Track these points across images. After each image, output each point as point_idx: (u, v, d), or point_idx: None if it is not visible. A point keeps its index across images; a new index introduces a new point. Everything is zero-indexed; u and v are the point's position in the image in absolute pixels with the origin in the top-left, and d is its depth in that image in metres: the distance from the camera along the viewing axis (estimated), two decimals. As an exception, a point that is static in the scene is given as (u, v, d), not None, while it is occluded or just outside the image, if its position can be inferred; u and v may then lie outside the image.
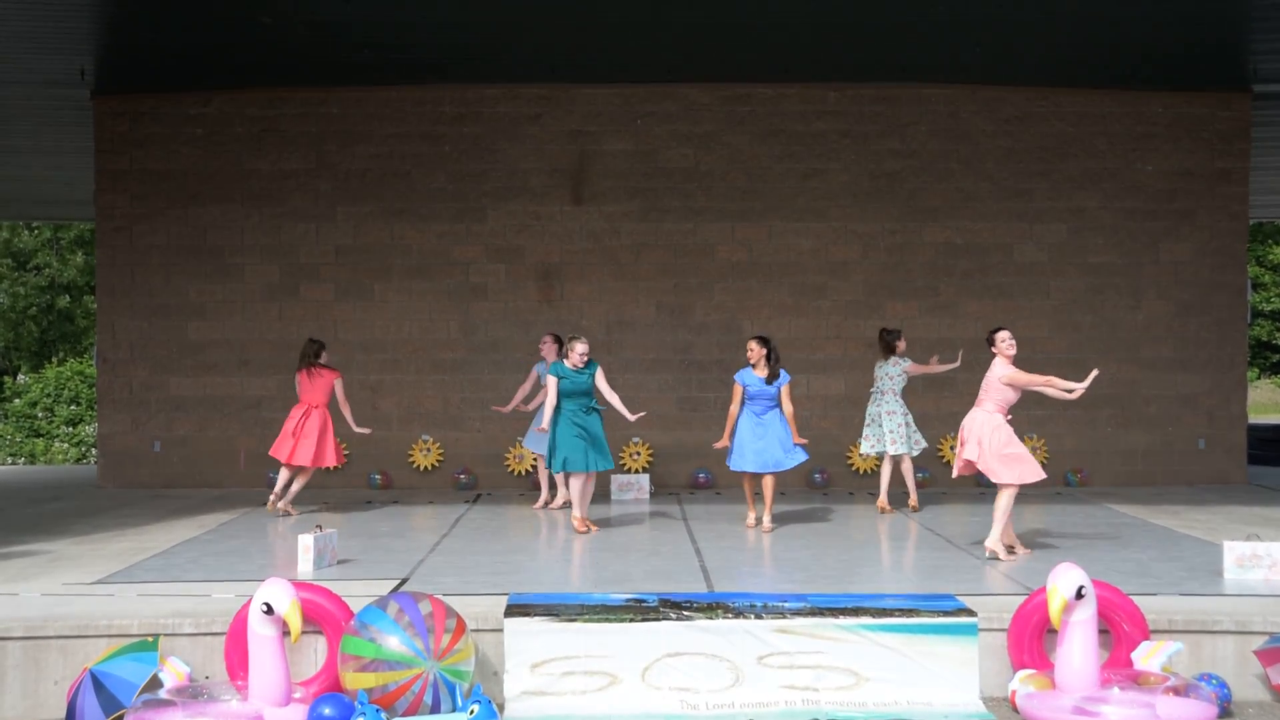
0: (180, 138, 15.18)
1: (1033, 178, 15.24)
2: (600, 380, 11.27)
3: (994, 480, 9.70)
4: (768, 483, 11.27)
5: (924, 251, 15.18)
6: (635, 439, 14.78)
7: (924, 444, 12.69)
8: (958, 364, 12.86)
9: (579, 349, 11.17)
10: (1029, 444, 14.98)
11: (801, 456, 11.29)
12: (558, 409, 11.17)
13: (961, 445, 9.92)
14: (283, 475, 12.50)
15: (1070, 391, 9.67)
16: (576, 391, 11.15)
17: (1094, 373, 9.85)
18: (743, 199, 15.15)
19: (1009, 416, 9.85)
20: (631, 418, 11.44)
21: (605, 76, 14.93)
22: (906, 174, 15.20)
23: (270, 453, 12.65)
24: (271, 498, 12.55)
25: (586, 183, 15.16)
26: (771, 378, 11.24)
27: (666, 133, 15.16)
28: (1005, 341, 9.94)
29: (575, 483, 11.31)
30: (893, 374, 12.51)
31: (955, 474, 10.13)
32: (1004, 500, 9.63)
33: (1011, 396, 9.80)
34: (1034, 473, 9.66)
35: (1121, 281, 15.26)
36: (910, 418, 12.57)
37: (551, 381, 11.17)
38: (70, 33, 13.33)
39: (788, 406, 11.30)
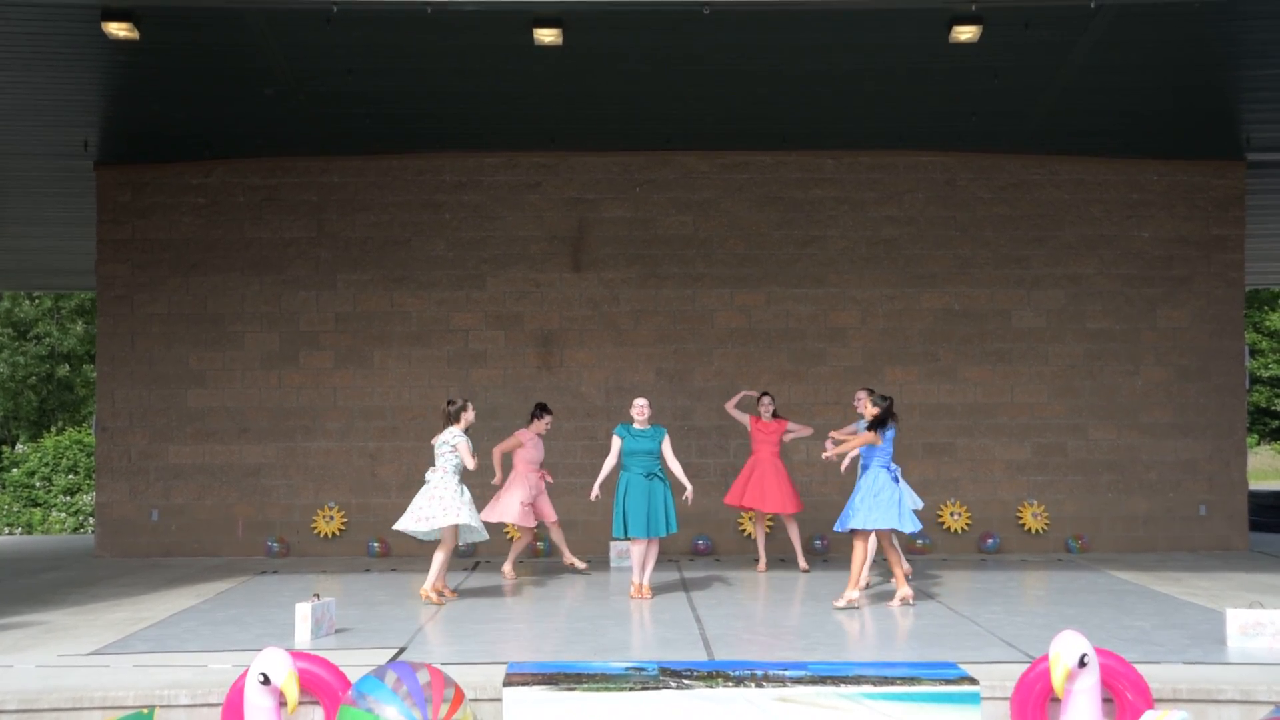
0: (182, 207, 15.28)
1: (1030, 244, 15.32)
2: (666, 447, 11.37)
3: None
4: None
5: (922, 317, 15.23)
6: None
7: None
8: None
9: (638, 404, 11.39)
10: (1029, 509, 14.97)
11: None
12: (623, 469, 11.31)
13: None
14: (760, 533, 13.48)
15: None
16: (640, 453, 11.26)
17: None
18: (741, 265, 15.22)
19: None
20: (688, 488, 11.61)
21: (604, 144, 15.07)
22: (904, 240, 15.28)
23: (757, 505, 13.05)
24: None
25: (585, 250, 15.24)
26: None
27: (665, 200, 15.26)
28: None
29: (636, 549, 11.30)
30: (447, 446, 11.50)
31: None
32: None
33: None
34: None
35: (1120, 347, 15.29)
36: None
37: (616, 442, 11.37)
38: (75, 105, 13.50)
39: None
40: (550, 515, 12.60)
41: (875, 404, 10.64)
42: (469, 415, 11.43)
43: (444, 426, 11.43)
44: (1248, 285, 17.84)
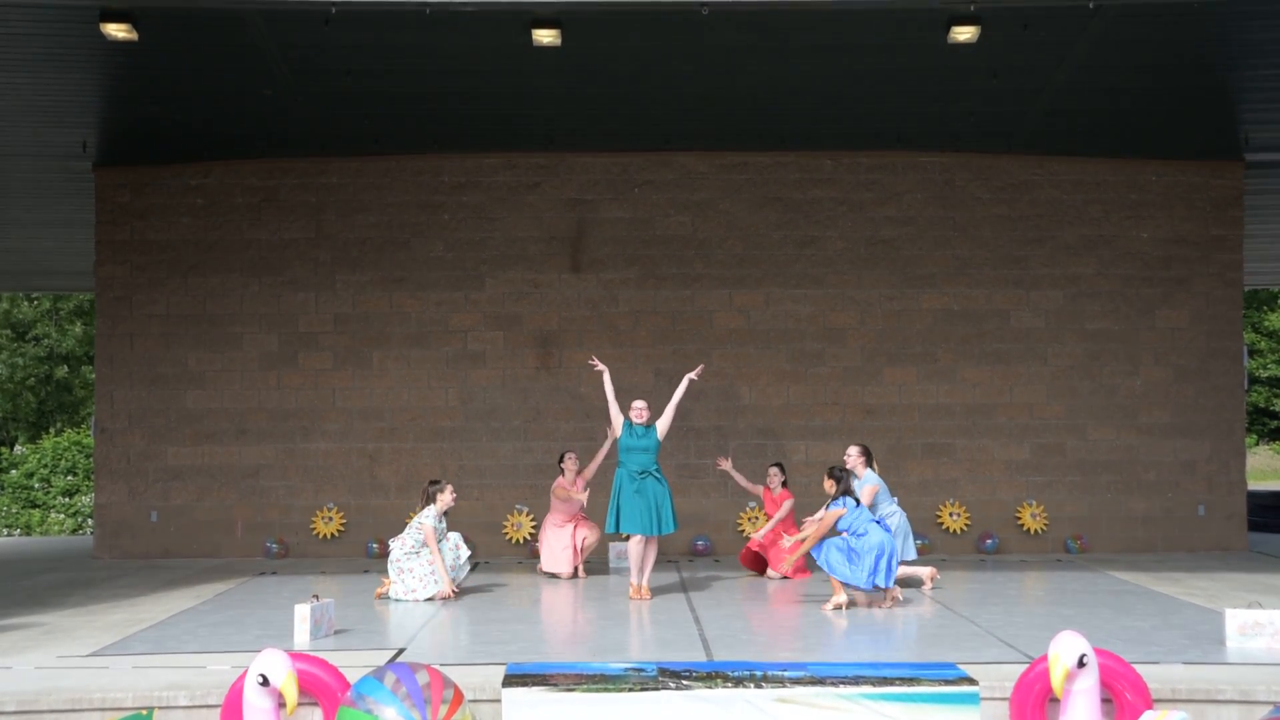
0: (180, 208, 15.27)
1: (1029, 245, 15.32)
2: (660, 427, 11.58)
3: None
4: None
5: (921, 318, 15.22)
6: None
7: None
8: None
9: (637, 405, 11.54)
10: (1028, 510, 14.97)
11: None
12: (619, 465, 11.39)
13: None
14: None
15: None
16: (636, 449, 11.33)
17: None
18: (740, 266, 15.22)
19: None
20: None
21: (603, 145, 15.07)
22: (903, 241, 15.28)
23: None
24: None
25: (584, 250, 15.24)
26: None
27: (664, 200, 15.26)
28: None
29: (634, 547, 11.30)
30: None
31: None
32: None
33: None
34: None
35: (1119, 348, 15.29)
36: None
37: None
38: (73, 106, 13.49)
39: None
40: (594, 534, 13.00)
41: (834, 476, 10.72)
42: (446, 497, 11.54)
43: (421, 505, 11.60)
44: (1246, 285, 17.83)
